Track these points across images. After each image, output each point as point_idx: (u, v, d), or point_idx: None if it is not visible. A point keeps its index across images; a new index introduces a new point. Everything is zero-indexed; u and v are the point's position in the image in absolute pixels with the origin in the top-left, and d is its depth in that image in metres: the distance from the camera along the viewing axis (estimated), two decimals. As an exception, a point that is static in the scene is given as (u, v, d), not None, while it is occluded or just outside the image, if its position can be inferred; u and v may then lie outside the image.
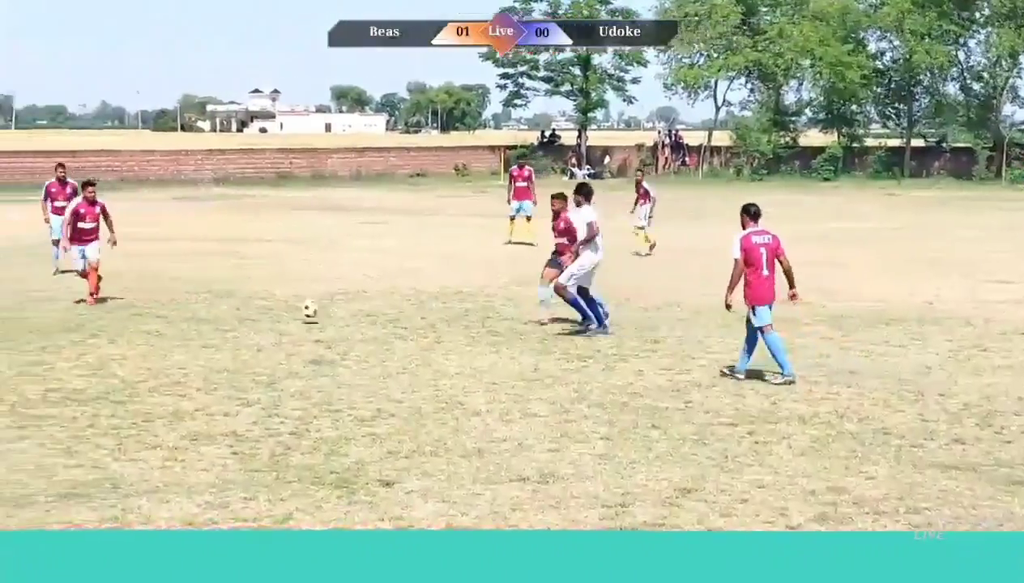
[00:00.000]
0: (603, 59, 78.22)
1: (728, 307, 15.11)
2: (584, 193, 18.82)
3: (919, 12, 66.59)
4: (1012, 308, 20.98)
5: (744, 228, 15.10)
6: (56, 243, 24.42)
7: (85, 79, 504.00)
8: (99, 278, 20.99)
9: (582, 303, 18.26)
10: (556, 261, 18.83)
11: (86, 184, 22.00)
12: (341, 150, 75.60)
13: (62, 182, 25.85)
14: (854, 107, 72.59)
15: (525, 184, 33.41)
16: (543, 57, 77.87)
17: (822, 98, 73.29)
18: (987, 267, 27.31)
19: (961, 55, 70.87)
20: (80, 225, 21.32)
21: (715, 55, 73.61)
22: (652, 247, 29.73)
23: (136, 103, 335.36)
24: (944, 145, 71.99)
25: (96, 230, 21.49)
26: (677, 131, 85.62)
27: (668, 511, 9.92)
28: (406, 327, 18.87)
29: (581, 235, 18.33)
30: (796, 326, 18.71)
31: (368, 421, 12.88)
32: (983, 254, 30.36)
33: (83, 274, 21.24)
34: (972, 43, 71.28)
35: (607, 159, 76.06)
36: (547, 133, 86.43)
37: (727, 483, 10.72)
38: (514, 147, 74.52)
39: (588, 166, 73.91)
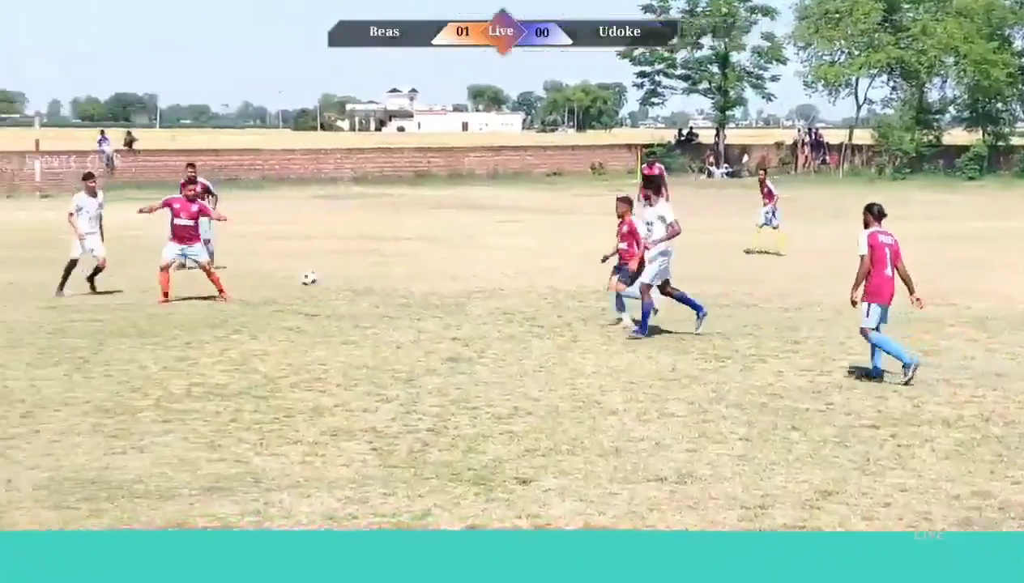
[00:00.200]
0: (741, 56, 77.71)
1: (854, 304, 14.96)
2: (653, 186, 18.43)
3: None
4: None
5: (867, 227, 14.92)
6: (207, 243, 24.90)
7: (228, 79, 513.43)
8: (211, 274, 21.27)
9: (652, 309, 17.88)
10: (623, 271, 18.41)
11: (186, 183, 22.27)
12: (478, 149, 76.05)
13: (191, 181, 26.19)
14: (999, 105, 71.06)
15: None
16: (680, 55, 77.52)
17: (966, 96, 71.92)
18: None
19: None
20: (176, 221, 21.47)
21: (856, 52, 72.54)
22: (775, 249, 29.37)
23: (277, 103, 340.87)
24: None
25: (196, 230, 21.69)
26: (817, 129, 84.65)
27: (808, 514, 9.77)
28: (543, 325, 18.87)
29: (643, 233, 18.02)
30: (941, 327, 18.37)
31: (505, 419, 12.90)
32: None
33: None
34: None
35: (745, 158, 75.40)
36: (684, 131, 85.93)
37: (869, 486, 10.53)
38: (651, 146, 74.29)
39: (726, 165, 73.38)
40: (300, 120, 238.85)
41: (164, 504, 9.95)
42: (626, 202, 18.87)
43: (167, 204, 21.68)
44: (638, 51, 76.79)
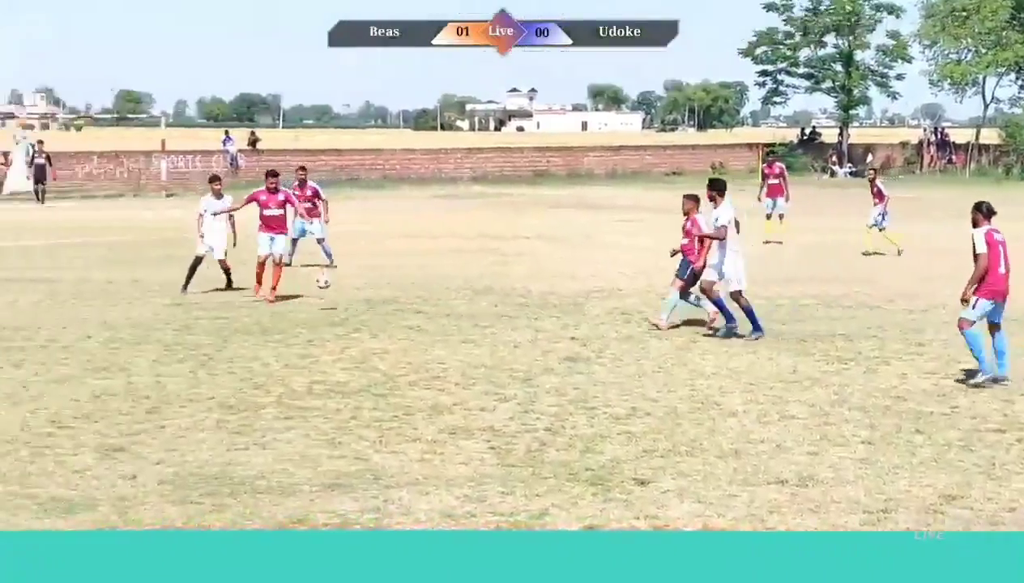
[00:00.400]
0: (866, 55, 76.70)
1: (964, 302, 14.67)
2: (717, 188, 18.20)
3: None
4: None
5: (977, 226, 14.68)
6: (294, 242, 25.20)
7: (349, 80, 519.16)
8: (279, 274, 21.41)
9: (725, 304, 17.73)
10: (686, 269, 18.34)
11: (269, 174, 22.47)
12: (597, 149, 75.99)
13: (302, 184, 26.49)
14: None
15: (777, 181, 33.14)
16: (803, 53, 76.73)
17: (1099, 95, 70.25)
18: None
19: None
20: (265, 212, 21.73)
21: (984, 50, 71.23)
22: (888, 249, 28.93)
23: (398, 103, 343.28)
24: None
25: (283, 220, 21.93)
26: (943, 128, 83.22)
27: (932, 518, 9.62)
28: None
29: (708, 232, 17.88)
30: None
31: (623, 419, 12.86)
32: None
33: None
34: None
35: (869, 157, 74.31)
36: (807, 131, 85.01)
37: (994, 491, 10.34)
38: (772, 145, 73.61)
39: (849, 164, 72.47)
40: (420, 120, 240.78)
41: (285, 500, 10.08)
42: (692, 199, 18.82)
43: (253, 198, 22.01)
44: (760, 49, 76.20)
